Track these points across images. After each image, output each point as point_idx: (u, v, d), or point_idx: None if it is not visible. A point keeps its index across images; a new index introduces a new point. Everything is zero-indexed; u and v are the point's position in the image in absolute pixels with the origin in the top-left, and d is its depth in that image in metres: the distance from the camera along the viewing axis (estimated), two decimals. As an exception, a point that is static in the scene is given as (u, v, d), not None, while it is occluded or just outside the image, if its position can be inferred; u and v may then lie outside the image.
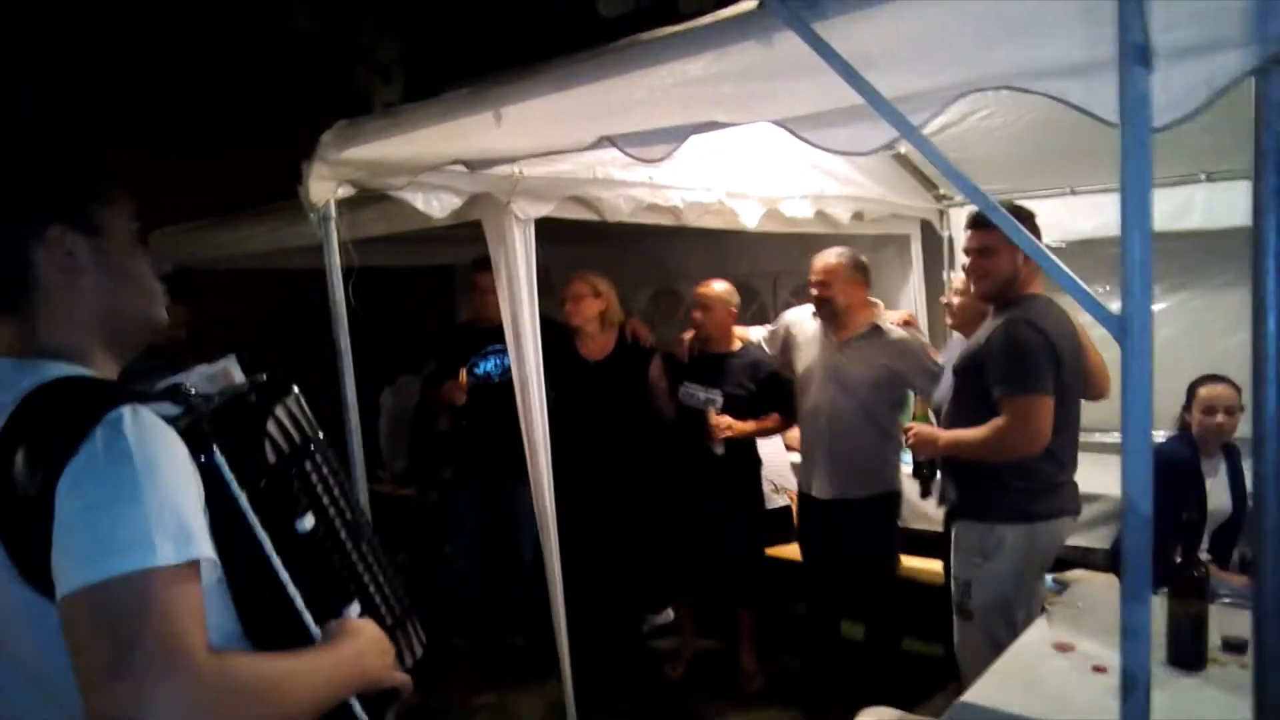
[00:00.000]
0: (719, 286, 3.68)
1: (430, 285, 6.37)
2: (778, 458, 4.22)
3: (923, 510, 3.53)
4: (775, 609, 4.12)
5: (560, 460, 2.99)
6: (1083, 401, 2.81)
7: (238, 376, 1.14)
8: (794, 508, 4.16)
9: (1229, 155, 3.43)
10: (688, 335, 3.80)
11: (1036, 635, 2.23)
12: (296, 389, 1.16)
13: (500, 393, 3.80)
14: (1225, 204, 3.65)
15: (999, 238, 2.58)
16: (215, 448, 0.97)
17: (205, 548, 0.90)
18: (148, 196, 1.21)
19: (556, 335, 3.51)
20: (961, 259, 2.84)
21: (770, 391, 3.65)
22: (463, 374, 3.82)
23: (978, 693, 1.95)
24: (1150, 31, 1.14)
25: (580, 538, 3.00)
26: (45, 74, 4.55)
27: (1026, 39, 1.36)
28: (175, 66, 4.95)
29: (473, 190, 2.73)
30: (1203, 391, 3.12)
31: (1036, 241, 1.32)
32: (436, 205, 2.70)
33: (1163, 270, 4.04)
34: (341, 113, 2.51)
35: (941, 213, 4.56)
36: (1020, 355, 2.48)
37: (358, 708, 1.07)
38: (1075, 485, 2.73)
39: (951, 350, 3.36)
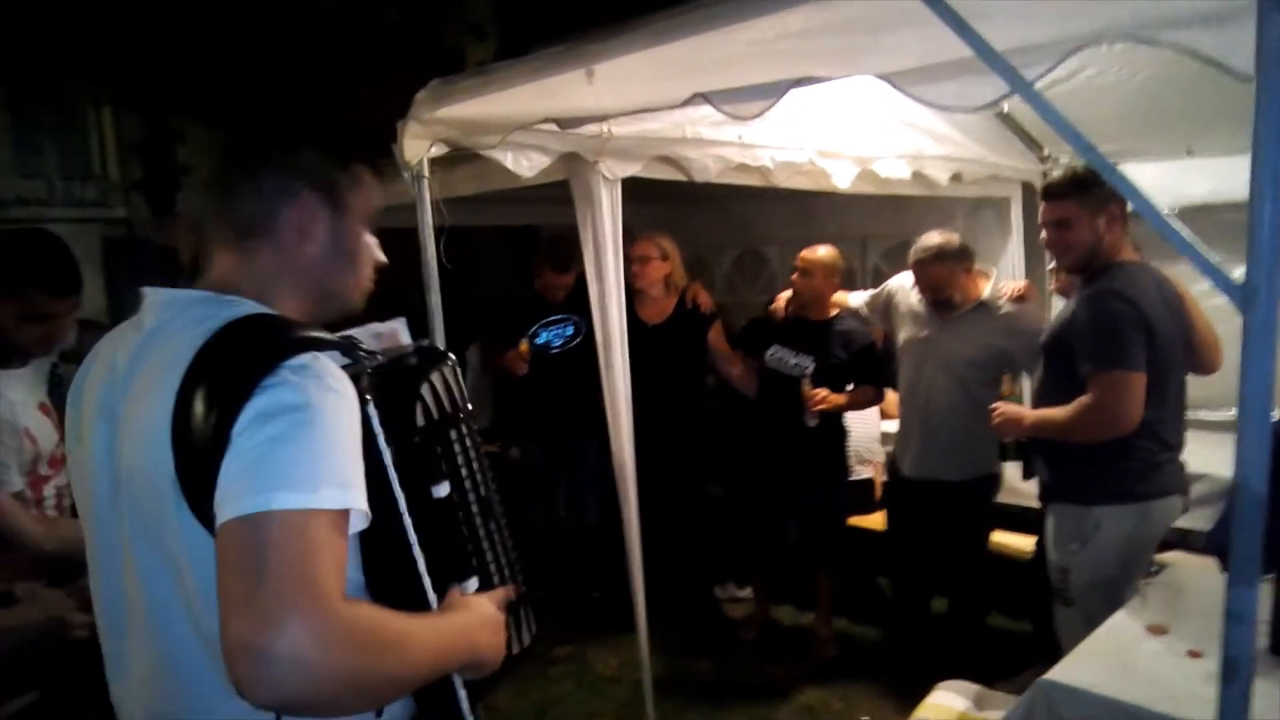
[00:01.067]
0: (823, 251, 3.57)
1: (516, 245, 6.45)
2: (867, 429, 4.15)
3: (1015, 485, 3.41)
4: (855, 578, 4.09)
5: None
6: (1189, 377, 2.67)
7: (404, 338, 1.20)
8: (877, 479, 4.10)
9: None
10: (783, 297, 3.73)
11: (1128, 617, 2.15)
12: (454, 359, 1.19)
13: (558, 361, 3.88)
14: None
15: (1075, 207, 2.48)
16: (370, 402, 1.01)
17: (361, 500, 0.93)
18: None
19: None
20: None
21: (863, 363, 3.55)
22: (524, 344, 3.84)
23: (1063, 671, 1.90)
24: (1295, -24, 1.06)
25: (644, 501, 3.02)
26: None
27: (1155, -14, 1.28)
28: (276, 31, 5.09)
29: (561, 150, 2.73)
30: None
31: (1152, 204, 1.24)
32: (526, 164, 2.71)
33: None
34: (436, 72, 2.53)
35: (1045, 174, 4.35)
36: (1108, 329, 2.36)
37: (459, 686, 1.07)
38: (1182, 464, 2.59)
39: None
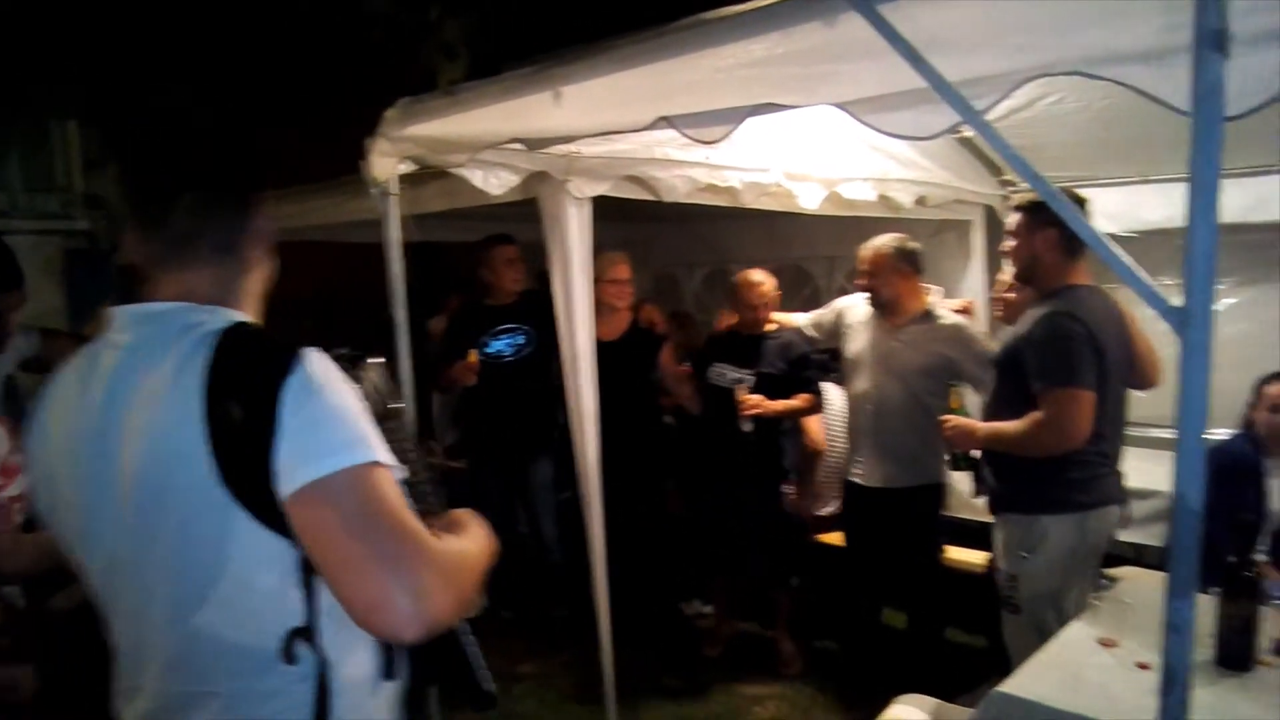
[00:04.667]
0: (757, 276, 3.71)
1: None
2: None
3: (968, 500, 3.49)
4: (817, 594, 4.12)
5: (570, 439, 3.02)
6: (1143, 396, 2.75)
7: None
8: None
9: (1313, 146, 3.29)
10: (723, 319, 3.85)
11: (1080, 630, 2.20)
12: (383, 360, 1.30)
13: (512, 371, 3.85)
14: (1309, 197, 3.50)
15: (1021, 223, 2.63)
16: (362, 384, 1.17)
17: (395, 460, 1.05)
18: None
19: None
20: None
21: (800, 375, 3.67)
22: (472, 354, 3.79)
23: (1016, 684, 1.93)
24: (1229, 16, 1.11)
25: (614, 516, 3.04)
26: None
27: (1100, 24, 1.34)
28: (249, 45, 5.08)
29: (530, 168, 2.76)
30: (1271, 389, 3.02)
31: (1093, 229, 1.29)
32: (494, 182, 2.74)
33: (1236, 264, 3.98)
34: (407, 90, 2.56)
35: (1005, 199, 4.45)
36: (1060, 347, 2.45)
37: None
38: (1120, 475, 2.70)
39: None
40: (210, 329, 1.07)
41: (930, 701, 2.45)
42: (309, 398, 1.00)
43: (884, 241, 3.35)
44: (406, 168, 2.77)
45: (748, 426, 3.52)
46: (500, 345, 3.94)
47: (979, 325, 3.48)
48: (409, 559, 0.96)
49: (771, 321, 3.76)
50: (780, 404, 3.60)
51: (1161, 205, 3.94)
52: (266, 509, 1.00)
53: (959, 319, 3.37)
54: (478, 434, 4.16)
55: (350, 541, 0.96)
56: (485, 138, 2.48)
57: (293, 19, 4.97)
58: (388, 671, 1.17)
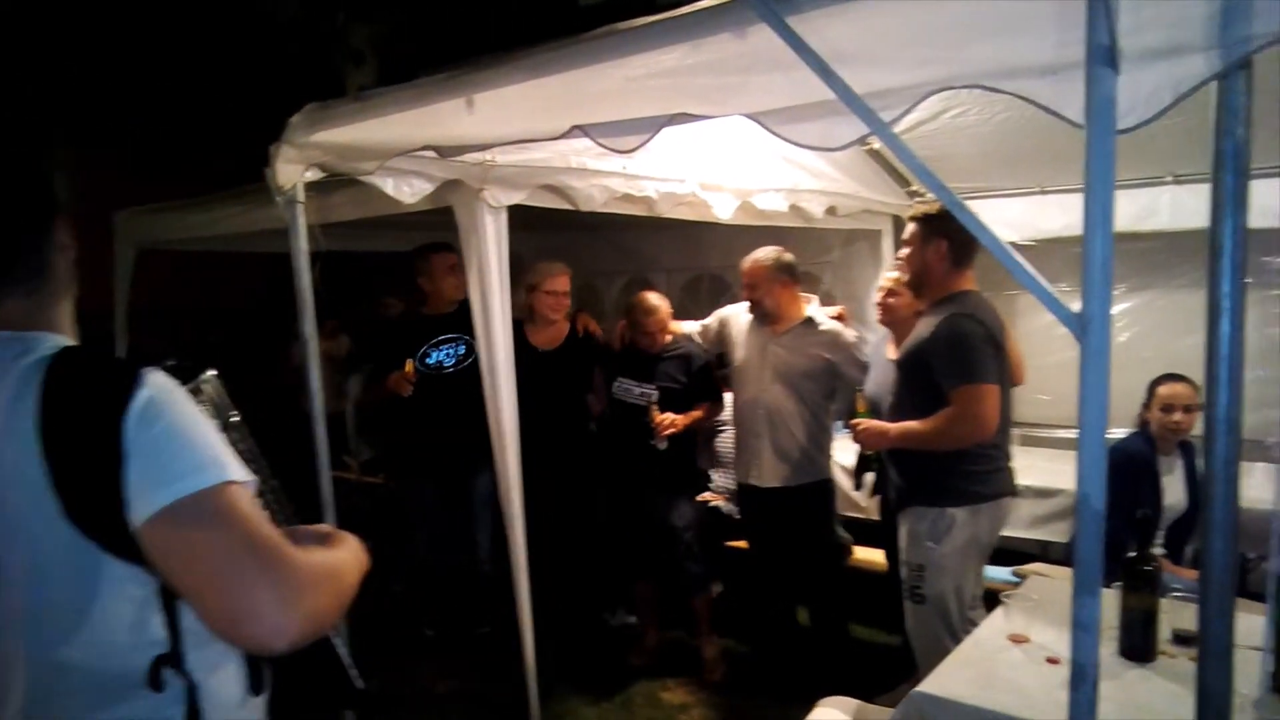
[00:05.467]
0: (653, 300, 3.73)
1: (406, 270, 6.33)
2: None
3: (854, 499, 3.70)
4: (738, 599, 4.15)
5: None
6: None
7: None
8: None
9: (1195, 158, 3.47)
10: (618, 330, 3.87)
11: (992, 627, 2.26)
12: (215, 372, 1.26)
13: (452, 382, 3.77)
14: (1191, 206, 3.71)
15: (915, 233, 2.80)
16: (202, 398, 1.13)
17: (246, 472, 1.03)
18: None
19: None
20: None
21: (702, 384, 3.73)
22: (409, 365, 3.71)
23: (933, 683, 1.98)
24: (1117, 34, 1.16)
25: (533, 529, 3.01)
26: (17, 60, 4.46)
27: (999, 39, 1.38)
28: (150, 50, 4.87)
29: (444, 176, 2.71)
30: (1162, 390, 3.18)
31: (996, 238, 1.33)
32: (407, 191, 2.68)
33: (1127, 270, 4.19)
34: (313, 96, 2.48)
35: (913, 207, 4.60)
36: (966, 347, 2.60)
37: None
38: (1012, 470, 2.87)
39: (874, 347, 3.49)
40: (37, 357, 1.02)
41: (852, 703, 2.48)
42: (154, 421, 0.97)
43: (763, 254, 3.48)
44: (313, 175, 2.69)
45: (663, 445, 3.57)
46: (440, 356, 3.86)
47: (853, 330, 3.63)
48: (273, 570, 0.95)
49: (669, 334, 3.80)
50: (688, 417, 3.66)
51: (1058, 214, 4.12)
52: (120, 539, 0.97)
53: (836, 325, 3.52)
54: (417, 447, 4.04)
55: (212, 560, 0.95)
56: (396, 145, 2.42)
57: (196, 23, 4.79)
58: (255, 686, 1.16)
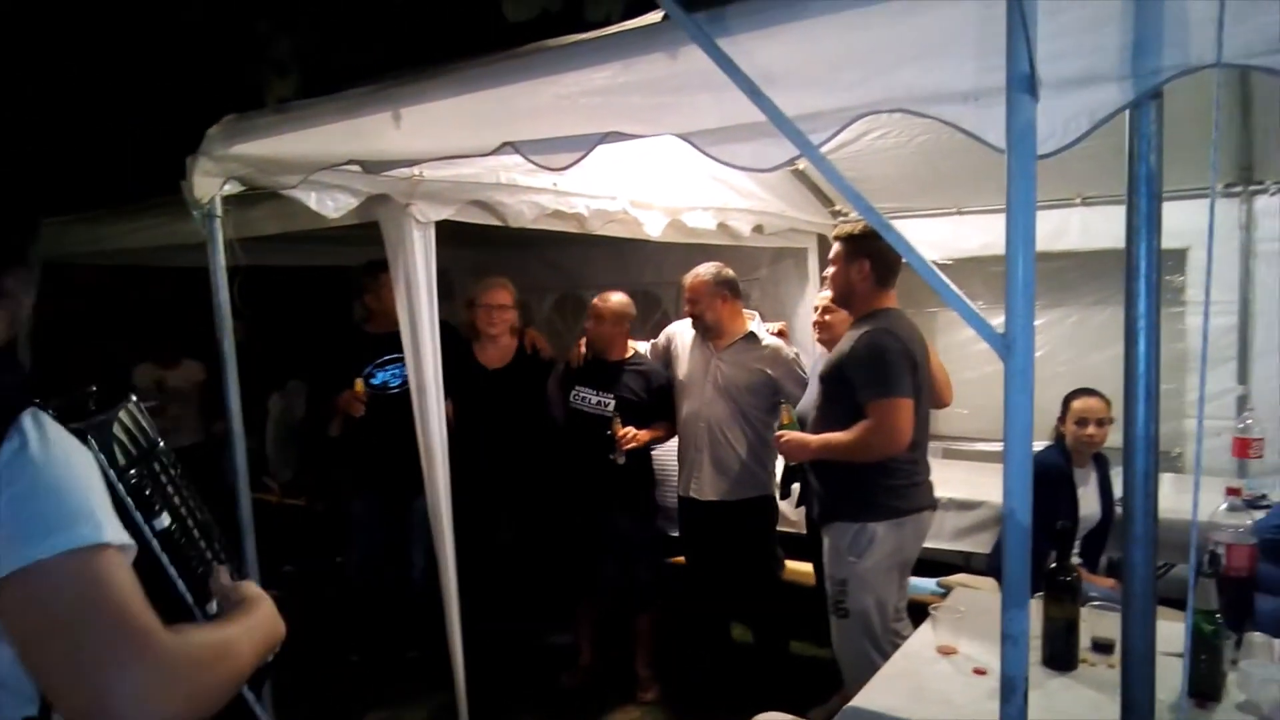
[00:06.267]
0: (614, 299, 3.69)
1: (326, 286, 6.18)
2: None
3: (786, 513, 3.70)
4: (675, 616, 4.14)
5: (456, 470, 2.93)
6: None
7: None
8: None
9: (1102, 180, 3.65)
10: (580, 343, 3.82)
11: (921, 639, 2.30)
12: (135, 397, 1.16)
13: (398, 403, 3.68)
14: (1099, 227, 3.88)
15: (840, 252, 2.87)
16: (93, 443, 0.98)
17: (120, 531, 0.91)
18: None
19: (453, 341, 3.43)
20: None
21: (661, 400, 3.72)
22: (359, 384, 3.66)
23: (865, 697, 2.00)
24: (1036, 62, 1.20)
25: (477, 549, 2.95)
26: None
27: (924, 64, 1.41)
28: (65, 55, 4.66)
29: (370, 191, 2.65)
30: (1076, 404, 3.29)
31: (923, 258, 1.36)
32: (331, 205, 2.61)
33: (1040, 288, 4.29)
34: (232, 107, 2.40)
35: (836, 227, 4.69)
36: (883, 361, 2.67)
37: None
38: (931, 484, 2.93)
39: (815, 364, 3.52)
40: None
41: (784, 718, 2.49)
42: (21, 470, 0.86)
43: (703, 270, 3.51)
44: (232, 188, 2.60)
45: (622, 460, 3.53)
46: (385, 376, 3.77)
47: (796, 346, 3.69)
48: (131, 659, 0.83)
49: (630, 348, 3.78)
50: (650, 433, 3.64)
51: (975, 235, 4.27)
52: None
53: (777, 341, 3.56)
54: (358, 465, 3.93)
55: (60, 640, 0.83)
56: (320, 159, 2.36)
57: (109, 28, 4.59)
58: None
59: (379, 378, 3.77)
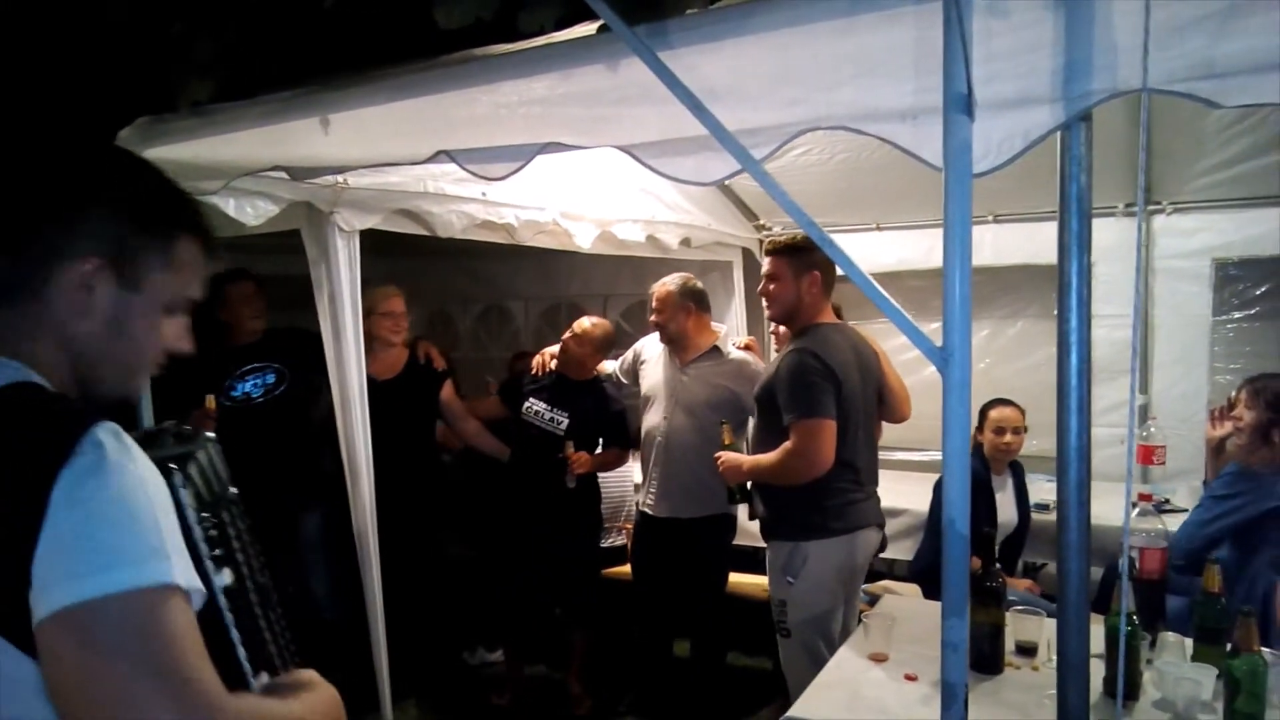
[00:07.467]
0: (602, 328, 3.63)
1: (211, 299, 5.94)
2: (623, 492, 4.24)
3: (746, 526, 3.65)
4: (609, 631, 4.11)
5: (344, 483, 2.84)
6: (888, 422, 3.02)
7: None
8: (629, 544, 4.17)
9: (1012, 199, 3.80)
10: (547, 352, 3.73)
11: (854, 647, 2.34)
12: (214, 436, 1.04)
13: (264, 414, 3.51)
14: (1011, 243, 4.03)
15: (784, 266, 2.78)
16: (177, 473, 0.88)
17: (196, 579, 0.82)
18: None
19: None
20: None
21: (615, 426, 3.66)
22: (209, 400, 3.36)
23: (803, 706, 2.01)
24: (973, 83, 1.23)
25: (388, 567, 2.85)
26: None
27: (863, 82, 1.44)
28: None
29: (292, 198, 2.57)
30: (993, 414, 3.41)
31: (864, 273, 1.38)
32: (250, 212, 2.51)
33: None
34: (147, 109, 2.29)
35: (761, 242, 4.77)
36: (802, 383, 2.63)
37: None
38: (877, 499, 2.90)
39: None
40: None
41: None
42: (91, 490, 0.76)
43: (670, 280, 3.44)
44: (145, 194, 2.47)
45: (572, 484, 3.46)
46: (247, 387, 3.55)
47: (762, 362, 3.62)
48: (188, 715, 0.74)
49: (597, 371, 3.72)
50: (600, 457, 3.59)
51: (893, 250, 4.39)
52: (26, 629, 0.76)
53: (744, 355, 3.51)
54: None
55: (109, 689, 0.73)
56: (242, 164, 2.27)
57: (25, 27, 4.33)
58: None
59: (239, 389, 3.55)
